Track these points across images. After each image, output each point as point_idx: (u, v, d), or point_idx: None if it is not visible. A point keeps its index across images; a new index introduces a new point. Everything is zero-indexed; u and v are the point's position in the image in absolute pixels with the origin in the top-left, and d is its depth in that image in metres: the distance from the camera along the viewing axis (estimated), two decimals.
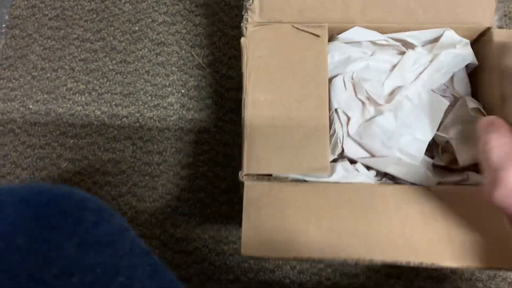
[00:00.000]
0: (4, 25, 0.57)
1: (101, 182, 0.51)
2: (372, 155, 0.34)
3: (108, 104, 0.54)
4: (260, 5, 0.35)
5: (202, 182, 0.51)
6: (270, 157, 0.32)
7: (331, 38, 0.38)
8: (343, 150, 0.34)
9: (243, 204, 0.31)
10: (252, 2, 0.35)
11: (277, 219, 0.31)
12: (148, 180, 0.51)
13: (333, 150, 0.34)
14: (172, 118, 0.53)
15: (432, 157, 0.36)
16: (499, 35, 0.35)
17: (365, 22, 0.36)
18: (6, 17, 0.57)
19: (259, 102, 0.33)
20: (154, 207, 0.50)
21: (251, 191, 0.32)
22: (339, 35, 0.36)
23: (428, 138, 0.34)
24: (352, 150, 0.34)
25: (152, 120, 0.53)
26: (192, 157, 0.52)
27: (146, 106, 0.54)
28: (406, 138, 0.34)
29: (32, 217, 0.22)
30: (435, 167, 0.35)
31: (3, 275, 0.20)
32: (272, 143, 0.32)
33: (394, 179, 0.35)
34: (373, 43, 0.37)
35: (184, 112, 0.53)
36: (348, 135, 0.34)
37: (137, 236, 0.26)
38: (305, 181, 0.33)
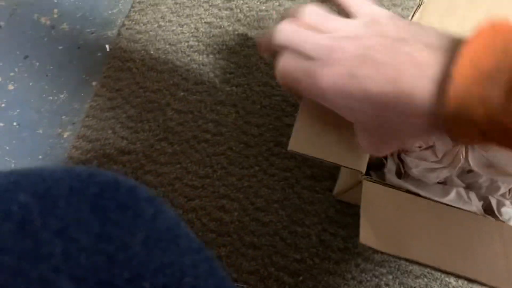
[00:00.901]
0: None
1: (200, 138, 0.55)
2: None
3: (222, 70, 0.57)
4: None
5: (290, 163, 0.54)
6: (316, 139, 0.32)
7: None
8: (468, 164, 0.36)
9: (361, 200, 0.33)
10: None
11: (392, 220, 0.32)
12: (242, 147, 0.54)
13: (454, 163, 0.37)
14: (276, 98, 0.56)
15: None
16: None
17: None
18: None
19: None
20: (242, 173, 0.53)
21: (369, 191, 0.33)
22: None
23: None
24: (477, 164, 0.36)
25: (258, 95, 0.56)
26: (287, 138, 0.55)
27: (256, 81, 0.57)
28: None
29: (89, 211, 0.20)
30: None
31: (70, 281, 0.18)
32: (324, 130, 0.33)
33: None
34: None
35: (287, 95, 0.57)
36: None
37: (189, 231, 0.23)
38: (418, 194, 0.35)
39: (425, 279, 0.49)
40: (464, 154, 0.36)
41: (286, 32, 0.28)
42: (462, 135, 0.21)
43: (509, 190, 0.37)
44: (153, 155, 0.54)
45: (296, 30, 0.27)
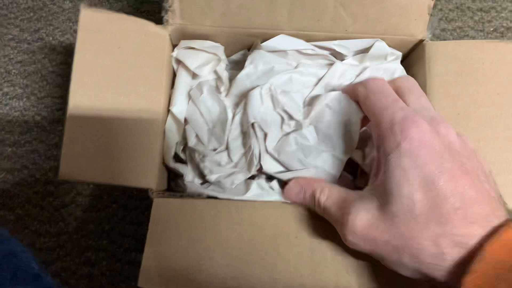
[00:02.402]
0: None
1: (43, 192, 0.48)
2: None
3: (49, 109, 0.51)
4: (180, 7, 0.33)
5: None
6: (91, 161, 0.29)
7: (255, 46, 0.36)
8: (261, 167, 0.33)
9: (149, 226, 0.29)
10: (172, 3, 0.33)
11: (182, 244, 0.28)
12: (93, 188, 0.49)
13: (249, 167, 0.33)
14: None
15: (354, 175, 0.35)
16: (432, 48, 0.34)
17: (292, 30, 0.35)
18: None
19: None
20: (100, 217, 0.48)
21: (159, 209, 0.30)
22: (263, 43, 0.35)
23: (346, 157, 0.33)
24: (270, 166, 0.33)
25: None
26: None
27: None
28: (324, 156, 0.32)
29: None
30: (355, 187, 0.33)
31: None
32: (96, 144, 0.29)
33: None
34: (299, 52, 0.35)
35: None
36: (266, 151, 0.33)
37: (31, 259, 0.24)
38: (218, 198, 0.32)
39: None
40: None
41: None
42: None
43: None
44: None
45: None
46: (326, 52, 0.36)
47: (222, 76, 0.36)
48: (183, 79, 0.36)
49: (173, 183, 0.37)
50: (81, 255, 0.47)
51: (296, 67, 0.36)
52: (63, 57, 0.52)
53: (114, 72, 0.31)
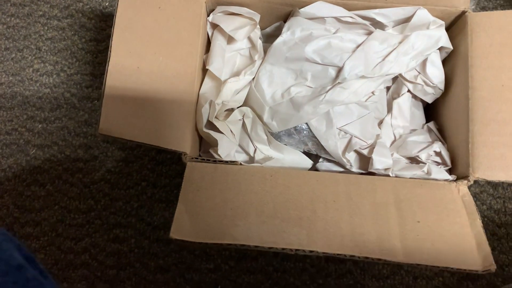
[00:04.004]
0: None
1: (73, 168, 0.48)
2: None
3: (78, 86, 0.50)
4: None
5: (179, 167, 0.48)
6: (129, 120, 0.29)
7: (293, 14, 0.35)
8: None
9: (182, 186, 0.29)
10: None
11: (216, 202, 0.28)
12: (122, 166, 0.48)
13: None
14: None
15: None
16: (475, 20, 0.33)
17: None
18: None
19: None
20: (129, 194, 0.47)
21: (193, 172, 0.29)
22: (301, 9, 0.34)
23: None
24: None
25: None
26: None
27: None
28: None
29: None
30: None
31: None
32: (134, 104, 0.30)
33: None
34: (338, 20, 0.34)
35: None
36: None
37: (13, 249, 0.22)
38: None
39: None
40: None
41: None
42: None
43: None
44: (25, 204, 0.47)
45: None
46: (366, 22, 0.34)
47: (257, 44, 0.35)
48: (218, 42, 0.35)
49: (204, 155, 0.36)
50: (110, 232, 0.46)
51: (334, 33, 0.34)
52: (93, 34, 0.52)
53: (154, 32, 0.31)
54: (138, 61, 0.30)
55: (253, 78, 0.36)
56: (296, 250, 0.27)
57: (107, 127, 0.27)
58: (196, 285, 0.45)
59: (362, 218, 0.28)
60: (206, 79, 0.34)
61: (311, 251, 0.27)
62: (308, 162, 0.35)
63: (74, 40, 0.52)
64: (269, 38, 0.39)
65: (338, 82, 0.32)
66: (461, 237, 0.28)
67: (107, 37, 0.51)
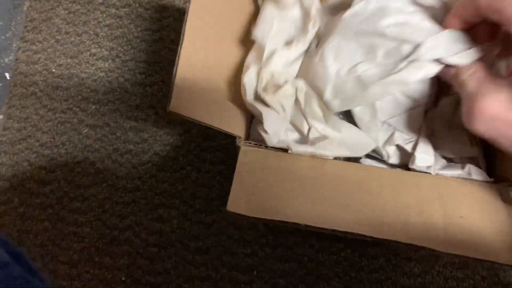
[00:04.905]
0: None
1: (122, 149, 0.51)
2: None
3: (132, 72, 0.53)
4: None
5: (223, 154, 0.50)
6: (196, 102, 0.31)
7: None
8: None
9: (236, 166, 0.31)
10: None
11: (269, 183, 0.30)
12: (169, 150, 0.50)
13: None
14: None
15: None
16: None
17: None
18: None
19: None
20: (174, 177, 0.50)
21: (246, 156, 0.31)
22: None
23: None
24: None
25: None
26: (214, 131, 0.51)
27: (170, 75, 0.53)
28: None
29: None
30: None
31: None
32: (201, 87, 0.31)
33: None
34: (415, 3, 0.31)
35: None
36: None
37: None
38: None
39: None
40: None
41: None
42: None
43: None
44: (75, 180, 0.50)
45: None
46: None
47: (310, 12, 0.32)
48: (267, 8, 0.33)
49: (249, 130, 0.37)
50: (154, 212, 0.48)
51: (412, 12, 0.31)
52: (148, 24, 0.54)
53: (222, 20, 0.32)
54: (206, 47, 0.32)
55: (308, 50, 0.34)
56: (345, 232, 0.28)
57: (177, 106, 0.29)
58: (233, 269, 0.47)
59: (406, 210, 0.29)
60: (252, 50, 0.33)
61: (359, 234, 0.28)
62: (370, 143, 0.33)
63: (130, 28, 0.54)
64: (333, 11, 0.36)
65: (413, 60, 0.29)
66: (502, 234, 0.29)
67: (162, 27, 0.54)
